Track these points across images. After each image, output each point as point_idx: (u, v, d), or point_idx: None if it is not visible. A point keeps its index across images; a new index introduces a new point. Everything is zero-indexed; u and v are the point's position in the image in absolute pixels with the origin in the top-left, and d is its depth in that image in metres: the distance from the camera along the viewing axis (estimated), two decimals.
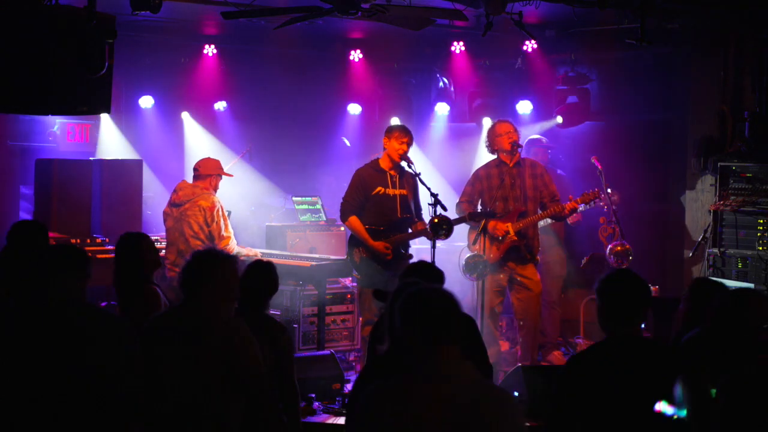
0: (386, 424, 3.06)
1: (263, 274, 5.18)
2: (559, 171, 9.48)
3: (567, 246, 9.29)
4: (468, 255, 7.89)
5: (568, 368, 3.94)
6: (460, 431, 3.01)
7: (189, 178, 8.50)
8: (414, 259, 7.98)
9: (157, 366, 4.13)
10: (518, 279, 7.97)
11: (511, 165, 7.99)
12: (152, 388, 4.02)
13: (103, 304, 8.70)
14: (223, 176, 8.41)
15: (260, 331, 4.99)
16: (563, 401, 3.84)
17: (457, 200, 8.18)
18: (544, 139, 9.53)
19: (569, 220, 8.82)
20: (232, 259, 4.50)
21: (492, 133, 8.10)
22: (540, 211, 8.01)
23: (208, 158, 8.48)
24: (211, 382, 4.15)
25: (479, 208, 8.02)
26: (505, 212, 7.92)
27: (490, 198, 7.95)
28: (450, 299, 3.16)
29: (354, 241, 7.82)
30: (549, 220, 8.46)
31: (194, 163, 8.51)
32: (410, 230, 7.83)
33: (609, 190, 8.50)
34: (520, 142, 8.06)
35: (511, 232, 7.85)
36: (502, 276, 7.94)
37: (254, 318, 5.07)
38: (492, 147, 8.10)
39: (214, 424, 4.15)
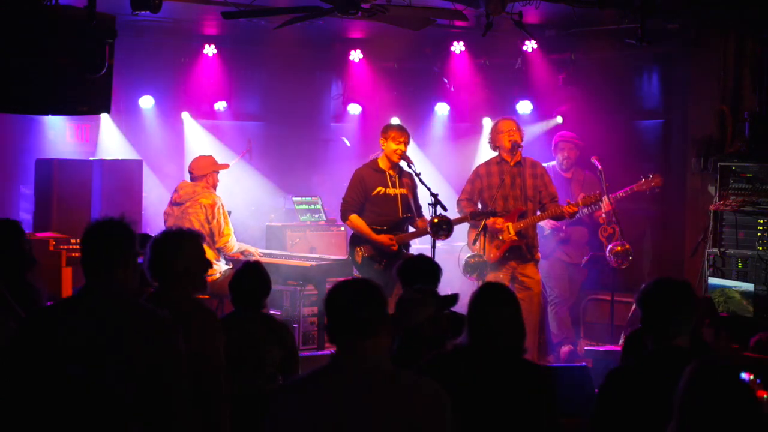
0: (302, 417, 3.04)
1: (257, 273, 5.22)
2: (587, 171, 9.28)
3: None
4: (468, 255, 7.90)
5: (608, 381, 3.80)
6: (381, 423, 3.00)
7: (188, 178, 8.50)
8: None
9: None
10: (519, 278, 7.98)
11: (512, 164, 8.00)
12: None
13: None
14: (221, 171, 8.40)
15: (265, 330, 5.04)
16: (603, 416, 3.73)
17: (457, 198, 8.20)
18: (573, 136, 9.39)
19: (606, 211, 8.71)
20: (189, 236, 4.23)
21: (494, 130, 8.14)
22: (539, 212, 8.02)
23: (200, 157, 8.48)
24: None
25: (479, 206, 8.03)
26: (505, 211, 7.92)
27: (490, 196, 7.96)
28: (366, 290, 3.14)
29: (355, 241, 7.83)
30: (585, 210, 8.54)
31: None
32: (413, 229, 7.84)
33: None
34: (522, 143, 8.02)
35: (512, 232, 7.86)
36: (502, 275, 7.95)
37: (255, 318, 5.10)
38: (494, 144, 8.12)
39: None
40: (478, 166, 8.27)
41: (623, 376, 3.80)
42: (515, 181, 7.96)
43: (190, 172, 8.34)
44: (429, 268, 5.27)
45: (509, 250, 7.91)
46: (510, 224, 7.87)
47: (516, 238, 7.87)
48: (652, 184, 8.60)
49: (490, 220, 7.78)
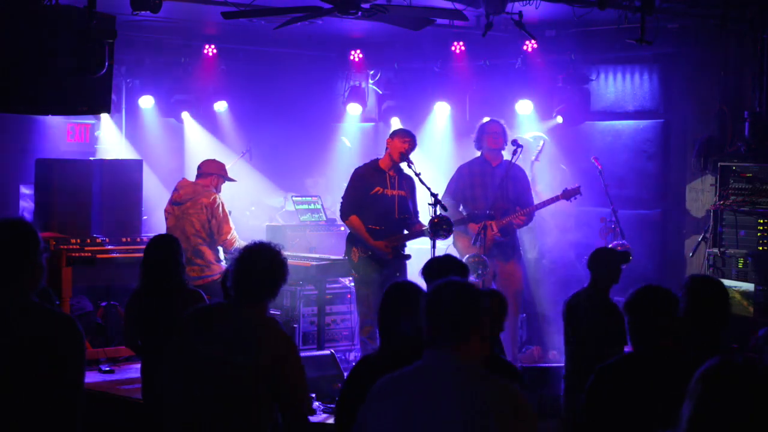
0: (387, 412, 3.08)
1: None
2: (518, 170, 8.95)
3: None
4: (468, 255, 7.94)
5: (596, 378, 3.89)
6: (465, 422, 3.00)
7: (189, 177, 8.50)
8: (412, 260, 8.03)
9: None
10: (499, 275, 8.11)
11: (494, 165, 8.25)
12: None
13: (103, 304, 8.71)
14: (226, 180, 8.40)
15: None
16: (591, 410, 3.82)
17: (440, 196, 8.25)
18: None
19: None
20: (279, 254, 4.29)
21: (482, 129, 8.34)
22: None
23: (213, 159, 8.50)
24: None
25: (461, 206, 8.25)
26: (487, 210, 8.08)
27: (472, 195, 8.18)
28: (462, 294, 3.12)
29: (352, 240, 7.84)
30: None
31: (194, 163, 8.52)
32: (407, 231, 7.86)
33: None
34: (503, 147, 8.25)
35: (495, 228, 8.01)
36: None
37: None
38: (479, 143, 8.30)
39: None
40: (461, 166, 8.48)
41: (609, 372, 3.89)
42: (495, 182, 8.14)
43: (198, 168, 8.37)
44: (461, 266, 5.32)
45: (492, 247, 8.02)
46: (493, 222, 8.01)
47: (499, 234, 8.02)
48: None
49: (472, 225, 7.99)
